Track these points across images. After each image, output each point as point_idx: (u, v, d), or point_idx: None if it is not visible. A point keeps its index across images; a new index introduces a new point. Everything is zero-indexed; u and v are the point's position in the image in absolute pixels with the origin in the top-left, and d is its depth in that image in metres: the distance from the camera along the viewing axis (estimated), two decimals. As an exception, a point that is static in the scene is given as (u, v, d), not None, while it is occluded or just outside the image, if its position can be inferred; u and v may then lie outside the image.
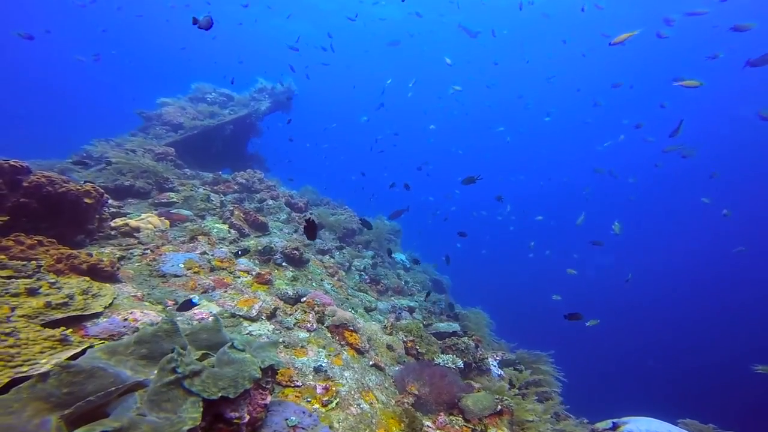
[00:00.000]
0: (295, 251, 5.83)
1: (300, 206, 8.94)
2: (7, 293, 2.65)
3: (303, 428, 2.52)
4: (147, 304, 3.62)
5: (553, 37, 28.53)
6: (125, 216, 5.94)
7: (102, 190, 5.04)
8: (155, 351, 2.30)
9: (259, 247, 5.61)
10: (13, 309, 2.47)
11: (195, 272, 4.54)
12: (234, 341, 2.48)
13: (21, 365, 2.07)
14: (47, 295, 2.89)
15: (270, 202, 8.46)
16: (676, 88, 7.94)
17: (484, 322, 7.15)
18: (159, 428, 1.78)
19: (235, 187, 8.74)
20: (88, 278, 3.40)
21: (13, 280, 2.88)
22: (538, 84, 32.80)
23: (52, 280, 3.07)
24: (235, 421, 2.12)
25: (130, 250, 4.75)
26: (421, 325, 5.49)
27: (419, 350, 4.82)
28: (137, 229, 5.51)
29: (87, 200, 4.83)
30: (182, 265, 4.56)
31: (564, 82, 33.07)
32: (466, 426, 3.73)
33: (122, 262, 4.43)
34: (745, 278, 34.75)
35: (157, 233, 5.46)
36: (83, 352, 2.36)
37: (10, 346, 2.10)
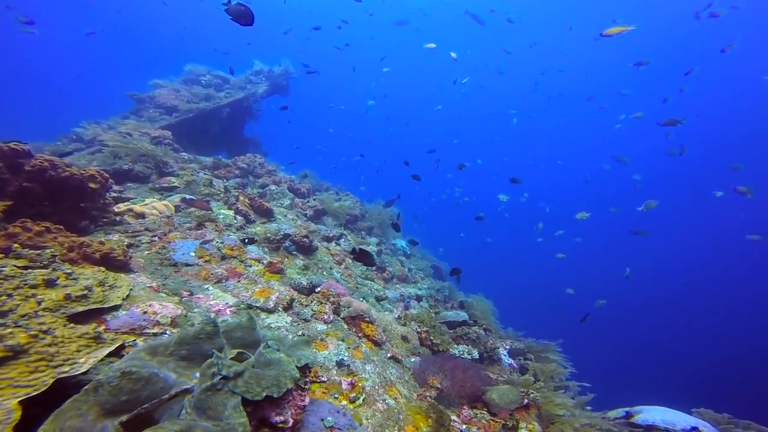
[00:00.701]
0: (305, 239, 5.74)
1: (303, 191, 8.80)
2: (25, 284, 2.53)
3: (339, 429, 2.49)
4: (163, 295, 3.53)
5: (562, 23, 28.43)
6: (128, 201, 5.77)
7: (107, 175, 4.86)
8: (195, 352, 2.23)
9: (269, 235, 5.51)
10: (39, 302, 2.36)
11: (206, 261, 4.44)
12: (267, 340, 2.42)
13: (62, 365, 1.99)
14: (65, 286, 2.78)
15: (272, 187, 8.31)
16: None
17: (489, 311, 7.18)
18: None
19: (236, 172, 8.56)
20: (103, 268, 3.28)
21: (29, 270, 2.76)
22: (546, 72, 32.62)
23: (68, 271, 2.95)
24: (280, 425, 2.08)
25: (138, 238, 4.61)
26: (433, 314, 5.48)
27: (433, 341, 4.82)
28: (142, 215, 5.36)
29: (92, 185, 4.66)
30: (193, 254, 4.45)
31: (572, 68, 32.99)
32: (493, 420, 3.72)
33: (131, 250, 4.30)
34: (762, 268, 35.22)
35: (163, 219, 5.32)
36: (119, 350, 2.29)
37: (49, 345, 2.01)
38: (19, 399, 1.75)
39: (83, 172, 4.66)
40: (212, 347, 2.29)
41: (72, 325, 2.25)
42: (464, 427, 3.56)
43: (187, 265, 4.24)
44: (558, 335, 6.11)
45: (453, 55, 14.10)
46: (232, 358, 2.23)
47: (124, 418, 1.80)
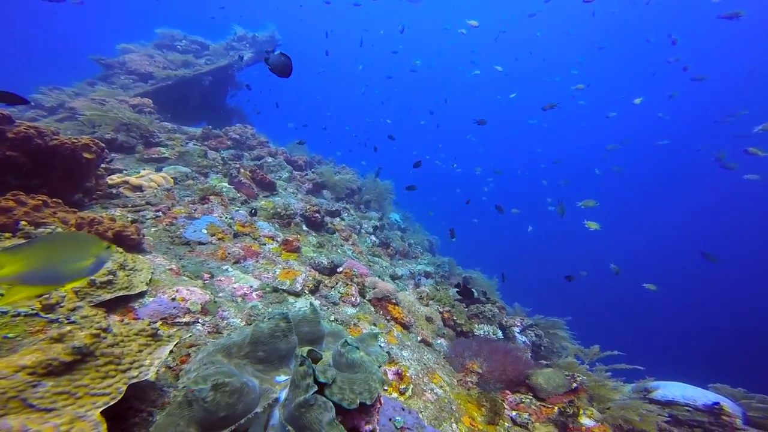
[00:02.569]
0: (317, 214, 5.48)
1: (300, 164, 8.43)
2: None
3: (409, 429, 2.36)
4: (186, 279, 3.25)
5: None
6: (119, 173, 5.31)
7: (103, 144, 4.39)
8: (272, 353, 2.01)
9: (279, 210, 5.21)
10: (76, 292, 2.07)
11: (220, 239, 4.15)
12: (346, 338, 2.23)
13: (130, 368, 1.74)
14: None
15: (269, 159, 7.89)
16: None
17: (493, 287, 7.21)
18: None
19: (228, 143, 8.06)
20: (121, 249, 2.96)
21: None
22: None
23: (85, 253, 2.62)
24: None
25: (141, 213, 4.24)
26: (450, 293, 5.41)
27: (456, 321, 4.76)
28: (139, 188, 4.95)
29: (87, 155, 4.21)
30: (205, 231, 4.14)
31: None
32: (544, 406, 3.66)
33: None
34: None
35: (163, 192, 4.92)
36: (200, 353, 2.04)
37: (112, 345, 1.75)
38: (101, 409, 1.52)
39: (75, 140, 4.19)
40: (288, 346, 2.08)
41: (129, 321, 1.98)
42: (514, 413, 3.50)
43: (201, 243, 3.94)
44: (560, 312, 6.19)
45: (473, 24, 13.60)
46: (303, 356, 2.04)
47: None
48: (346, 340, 2.14)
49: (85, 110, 6.75)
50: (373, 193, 9.04)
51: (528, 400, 3.82)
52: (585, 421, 3.65)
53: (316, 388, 1.76)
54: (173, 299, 2.79)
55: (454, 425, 3.02)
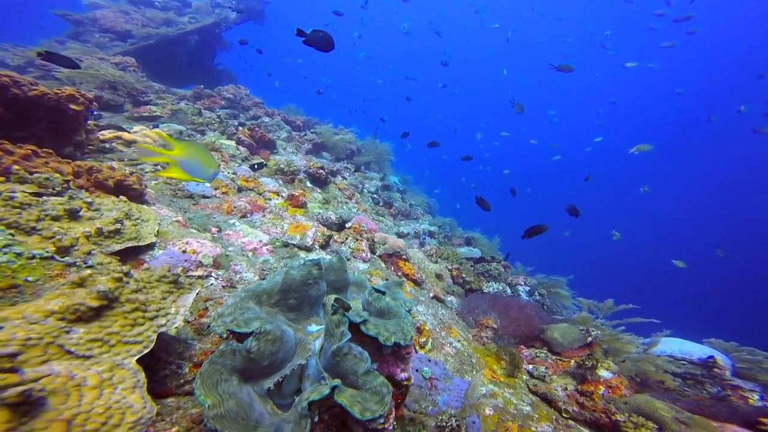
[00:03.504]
0: (321, 170, 5.28)
1: (298, 124, 8.11)
2: (47, 216, 2.03)
3: (437, 379, 2.30)
4: (194, 231, 3.08)
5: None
6: (110, 129, 5.00)
7: (90, 96, 4.07)
8: (303, 301, 1.90)
9: (282, 166, 4.99)
10: (87, 236, 1.89)
11: (224, 193, 3.95)
12: (374, 285, 2.12)
13: (156, 316, 1.60)
14: (91, 219, 2.28)
15: (266, 119, 7.56)
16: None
17: (495, 247, 7.18)
18: (365, 400, 1.52)
19: (222, 103, 7.67)
20: (124, 198, 2.76)
21: (43, 198, 2.22)
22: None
23: (88, 200, 2.43)
24: (405, 383, 1.84)
25: (139, 167, 4.00)
26: (458, 251, 5.34)
27: (465, 278, 4.70)
28: (134, 143, 4.66)
29: (74, 107, 3.91)
30: (208, 184, 3.94)
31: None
32: (560, 360, 3.66)
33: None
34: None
35: (160, 147, 4.65)
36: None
37: (136, 291, 1.60)
38: (135, 357, 1.41)
39: (58, 91, 3.88)
40: (318, 293, 1.97)
41: (148, 268, 1.83)
42: (530, 367, 3.50)
43: (205, 197, 3.75)
44: (562, 271, 6.20)
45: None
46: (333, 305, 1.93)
47: (271, 386, 1.58)
48: (374, 288, 2.02)
49: (62, 68, 6.31)
50: (372, 154, 8.81)
51: (543, 354, 3.83)
52: (603, 373, 3.68)
53: (350, 336, 1.66)
54: (184, 251, 2.63)
55: (457, 379, 3.00)
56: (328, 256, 3.63)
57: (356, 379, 1.64)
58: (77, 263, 1.75)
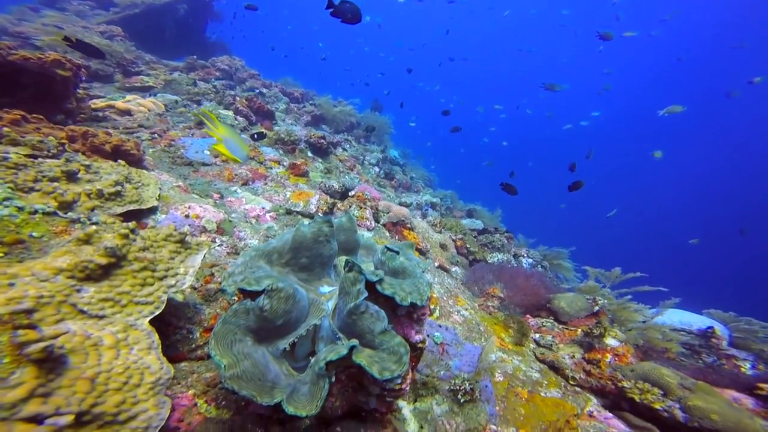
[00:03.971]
0: (322, 140, 5.14)
1: (296, 96, 7.89)
2: (44, 177, 1.92)
3: (448, 344, 2.26)
4: (196, 196, 2.99)
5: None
6: (102, 98, 4.82)
7: (77, 62, 3.88)
8: (315, 260, 1.82)
9: (282, 136, 4.85)
10: (89, 195, 1.80)
11: (224, 161, 3.84)
12: (386, 244, 2.04)
13: (166, 276, 1.53)
14: (90, 182, 2.18)
15: (263, 90, 7.33)
16: None
17: (497, 219, 7.14)
18: (383, 360, 1.47)
19: (217, 74, 7.41)
20: (123, 162, 2.65)
21: (39, 160, 2.11)
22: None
23: (86, 163, 2.32)
24: (419, 345, 1.79)
25: (135, 134, 3.86)
26: (462, 222, 5.29)
27: (469, 248, 4.65)
28: (128, 112, 4.50)
29: (61, 72, 3.73)
30: (207, 152, 3.81)
31: None
32: (567, 329, 3.64)
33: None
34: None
35: (155, 117, 4.49)
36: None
37: (143, 249, 1.52)
38: (148, 318, 1.35)
39: (41, 56, 3.69)
40: (330, 252, 1.89)
41: (154, 227, 1.75)
42: (537, 335, 3.48)
43: (205, 164, 3.63)
44: (563, 242, 6.17)
45: None
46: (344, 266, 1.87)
47: (286, 346, 1.54)
48: (386, 246, 1.95)
49: (41, 35, 6.03)
50: (373, 125, 8.62)
51: (549, 323, 3.81)
52: (610, 341, 3.68)
53: (366, 294, 1.60)
54: (187, 216, 2.55)
55: (468, 344, 2.98)
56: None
57: (372, 339, 1.59)
58: (81, 219, 1.67)
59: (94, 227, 1.48)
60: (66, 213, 1.68)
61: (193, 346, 1.95)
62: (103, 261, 1.37)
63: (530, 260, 5.53)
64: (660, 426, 3.25)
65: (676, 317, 4.74)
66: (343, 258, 2.13)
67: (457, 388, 2.25)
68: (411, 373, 1.76)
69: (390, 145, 9.90)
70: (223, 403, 1.81)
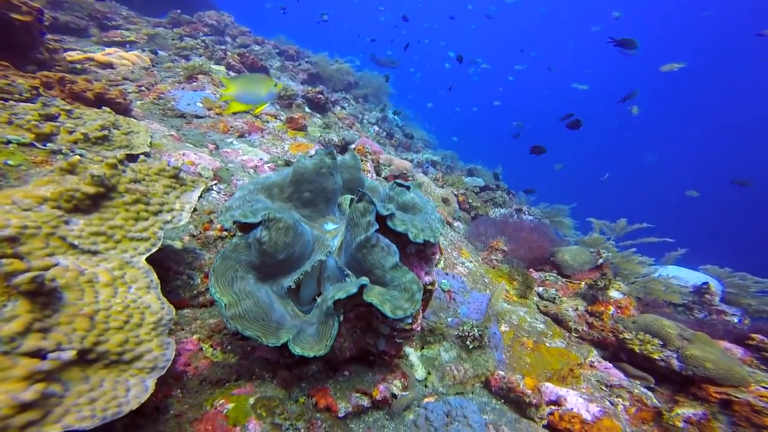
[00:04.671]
0: (320, 95, 4.93)
1: (291, 54, 7.55)
2: (18, 119, 1.77)
3: (455, 292, 2.20)
4: (189, 145, 2.85)
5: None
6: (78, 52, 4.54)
7: (35, 5, 3.55)
8: (318, 195, 1.72)
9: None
10: (70, 132, 1.66)
11: (218, 113, 3.66)
12: (395, 180, 1.93)
13: (160, 211, 1.44)
14: (74, 126, 2.03)
15: (255, 47, 7.00)
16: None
17: (499, 177, 7.02)
18: (394, 298, 1.39)
19: (205, 30, 7.04)
20: (108, 109, 2.49)
21: (10, 103, 1.95)
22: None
23: (67, 107, 2.16)
24: (429, 287, 1.71)
25: (120, 87, 3.65)
26: (464, 178, 5.19)
27: (471, 203, 4.57)
28: (109, 65, 4.26)
29: (18, 16, 3.40)
30: (200, 104, 3.64)
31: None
32: (570, 282, 3.60)
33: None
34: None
35: (141, 70, 4.26)
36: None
37: (135, 181, 1.41)
38: (145, 256, 1.29)
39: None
40: (334, 187, 1.79)
41: (144, 160, 1.63)
42: (540, 289, 3.45)
43: (198, 116, 3.47)
44: (563, 200, 6.10)
45: None
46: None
47: (291, 284, 1.48)
48: (395, 182, 1.85)
49: None
50: (371, 87, 8.34)
51: (553, 277, 3.79)
52: (613, 293, 3.68)
53: (377, 227, 1.51)
54: (182, 163, 2.42)
55: (476, 293, 2.95)
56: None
57: (383, 275, 1.51)
58: (63, 150, 1.54)
59: (77, 157, 1.36)
60: (44, 144, 1.56)
61: (195, 292, 1.88)
62: (91, 190, 1.26)
63: (531, 217, 5.47)
64: (655, 375, 3.32)
65: (673, 273, 4.76)
66: (348, 197, 2.03)
67: (466, 334, 2.22)
68: (421, 313, 1.71)
69: (389, 106, 9.62)
70: (229, 347, 1.77)
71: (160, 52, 5.16)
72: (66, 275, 1.15)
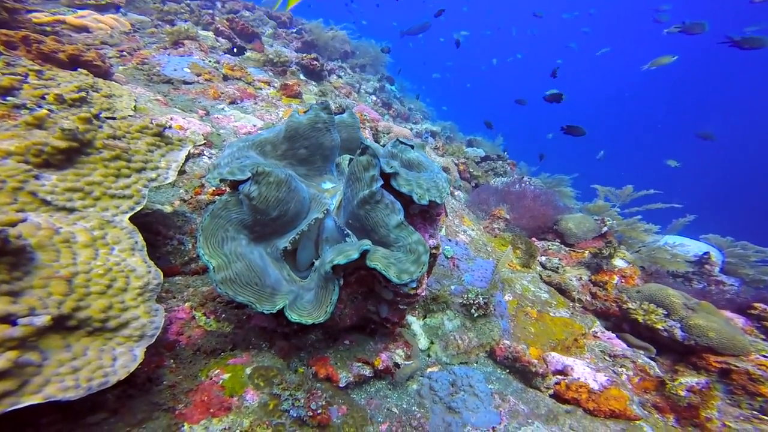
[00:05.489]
0: (315, 61, 4.72)
1: (284, 20, 7.23)
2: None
3: (459, 259, 2.11)
4: (177, 110, 2.69)
5: None
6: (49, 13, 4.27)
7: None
8: (315, 152, 1.60)
9: (271, 56, 4.43)
10: (43, 96, 1.52)
11: (207, 79, 3.48)
12: (397, 138, 1.81)
13: (144, 168, 1.31)
14: (45, 87, 1.88)
15: (246, 13, 6.68)
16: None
17: (498, 148, 6.88)
18: (399, 261, 1.29)
19: (189, -9, 6.68)
20: (85, 71, 2.32)
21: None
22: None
23: (35, 67, 1.99)
24: (433, 251, 1.61)
25: (100, 50, 3.45)
26: (464, 147, 5.05)
27: (472, 173, 4.45)
28: (84, 29, 4.00)
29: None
30: (188, 69, 3.45)
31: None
32: (574, 251, 3.51)
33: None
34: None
35: (121, 35, 4.03)
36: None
37: (113, 137, 1.28)
38: (128, 214, 1.18)
39: None
40: (331, 144, 1.68)
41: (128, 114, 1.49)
42: (543, 258, 3.37)
43: (186, 82, 3.29)
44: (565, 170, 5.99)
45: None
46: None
47: (287, 245, 1.37)
48: (398, 139, 1.72)
49: None
50: (368, 56, 8.05)
51: (556, 246, 3.71)
52: (618, 262, 3.61)
53: (382, 182, 1.39)
54: (169, 126, 2.27)
55: (479, 259, 2.87)
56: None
57: (387, 234, 1.40)
58: (27, 105, 1.40)
59: (45, 110, 1.23)
60: (4, 98, 1.42)
61: (186, 258, 1.78)
62: (62, 144, 1.14)
63: (531, 187, 5.37)
64: (656, 344, 3.29)
65: (676, 242, 4.70)
66: (348, 156, 1.91)
67: (471, 302, 2.14)
68: (426, 278, 1.62)
69: (384, 77, 9.34)
70: (224, 316, 1.68)
71: (141, 16, 4.89)
72: (38, 233, 1.04)
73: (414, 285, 1.45)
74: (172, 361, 1.52)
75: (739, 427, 2.48)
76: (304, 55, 4.81)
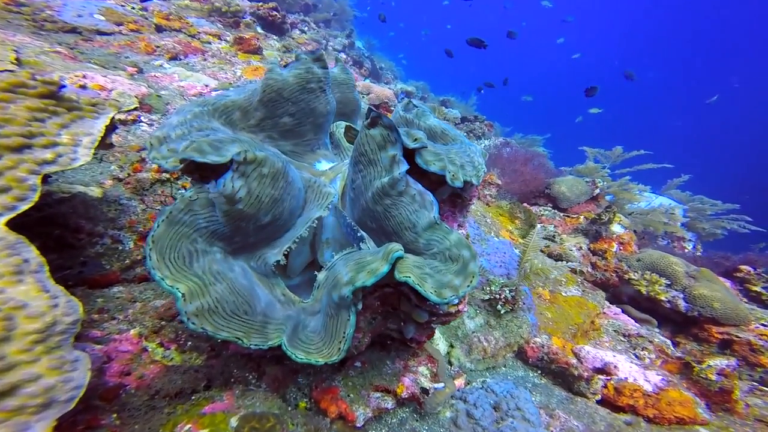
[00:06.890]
0: (274, 12, 3.99)
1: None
2: None
3: (472, 241, 1.71)
4: (94, 66, 2.05)
5: None
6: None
7: None
8: (305, 119, 1.11)
9: (218, 4, 3.66)
10: None
11: (133, 29, 2.78)
12: (407, 98, 1.32)
13: (29, 145, 0.81)
14: None
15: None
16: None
17: (471, 108, 6.51)
18: (437, 271, 0.86)
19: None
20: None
21: None
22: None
23: None
24: None
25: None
26: (443, 108, 4.64)
27: (455, 136, 4.05)
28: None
29: None
30: (101, 17, 2.72)
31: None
32: (568, 217, 3.26)
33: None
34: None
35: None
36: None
37: None
38: (5, 219, 0.77)
39: None
40: (326, 109, 1.19)
41: None
42: (539, 226, 3.11)
43: (101, 33, 2.58)
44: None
45: None
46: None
47: (281, 258, 0.95)
48: (410, 100, 1.25)
49: None
50: (332, 9, 7.21)
51: (549, 211, 3.46)
52: (615, 227, 3.42)
53: (407, 166, 0.93)
54: (82, 86, 1.67)
55: (494, 239, 2.53)
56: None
57: (415, 238, 0.95)
58: None
59: None
60: None
61: (127, 261, 1.27)
62: None
63: (522, 150, 5.11)
64: (656, 315, 3.15)
65: (643, 202, 4.69)
66: (342, 124, 1.42)
67: (497, 296, 1.77)
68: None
69: (354, 32, 8.56)
70: (190, 343, 1.21)
71: None
72: None
73: (456, 301, 1.02)
74: (114, 416, 1.06)
75: (755, 403, 2.34)
76: (261, 3, 4.06)
